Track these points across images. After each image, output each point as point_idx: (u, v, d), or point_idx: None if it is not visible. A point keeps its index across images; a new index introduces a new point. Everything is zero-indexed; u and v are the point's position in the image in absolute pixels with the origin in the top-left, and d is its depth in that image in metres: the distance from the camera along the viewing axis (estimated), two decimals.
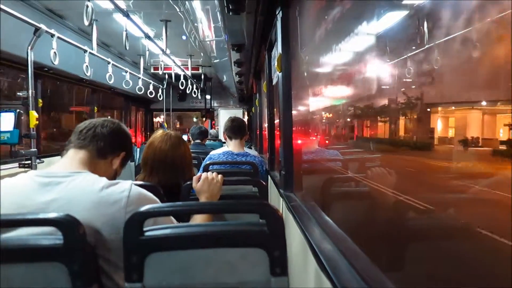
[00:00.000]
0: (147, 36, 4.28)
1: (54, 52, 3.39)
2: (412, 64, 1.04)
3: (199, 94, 8.04)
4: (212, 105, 10.28)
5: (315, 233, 1.44)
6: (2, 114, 3.17)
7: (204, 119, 10.77)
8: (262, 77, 5.00)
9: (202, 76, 7.96)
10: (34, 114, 3.23)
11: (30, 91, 3.29)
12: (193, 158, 2.09)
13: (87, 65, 4.00)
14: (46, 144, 5.45)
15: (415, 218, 1.11)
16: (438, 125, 0.99)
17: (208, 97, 9.83)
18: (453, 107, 1.01)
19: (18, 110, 3.24)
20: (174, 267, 1.04)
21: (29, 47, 3.24)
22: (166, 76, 7.17)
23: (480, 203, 0.80)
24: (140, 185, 1.28)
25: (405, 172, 1.23)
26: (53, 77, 4.84)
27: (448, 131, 0.96)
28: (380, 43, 1.27)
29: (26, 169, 3.22)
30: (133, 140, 8.03)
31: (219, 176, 1.68)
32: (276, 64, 2.40)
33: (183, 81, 6.39)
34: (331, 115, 2.15)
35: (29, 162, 3.27)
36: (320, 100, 2.18)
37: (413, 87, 1.08)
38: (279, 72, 2.31)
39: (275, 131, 3.43)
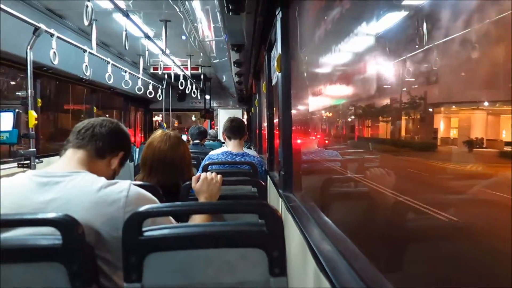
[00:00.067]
0: (147, 36, 4.28)
1: (54, 52, 3.39)
2: (412, 64, 1.04)
3: (198, 94, 8.04)
4: (212, 105, 10.29)
5: (314, 233, 1.44)
6: (1, 114, 3.16)
7: (203, 119, 10.78)
8: (261, 77, 5.00)
9: (202, 76, 7.96)
10: (33, 114, 3.22)
11: (29, 91, 3.29)
12: (192, 158, 2.09)
13: (86, 65, 4.00)
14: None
15: (417, 219, 1.11)
16: (441, 125, 0.99)
17: (207, 97, 9.83)
18: (454, 107, 1.00)
19: (17, 110, 3.24)
20: (173, 267, 1.04)
21: (28, 47, 3.24)
22: (166, 76, 7.17)
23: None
24: (139, 185, 1.28)
25: (414, 176, 1.20)
26: (53, 77, 4.84)
27: (450, 131, 0.96)
28: (381, 44, 1.27)
29: (25, 169, 3.21)
30: (132, 140, 8.05)
31: (218, 176, 1.67)
32: (275, 64, 2.40)
33: (183, 81, 6.40)
34: (331, 114, 2.15)
35: (28, 162, 3.27)
36: (320, 100, 2.17)
37: (415, 86, 1.08)
38: (279, 73, 2.31)
39: (275, 132, 3.43)
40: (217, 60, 5.48)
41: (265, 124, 4.86)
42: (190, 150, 2.06)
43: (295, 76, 2.32)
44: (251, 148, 6.14)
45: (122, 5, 3.47)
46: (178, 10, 3.93)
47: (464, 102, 0.95)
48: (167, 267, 1.04)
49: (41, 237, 1.03)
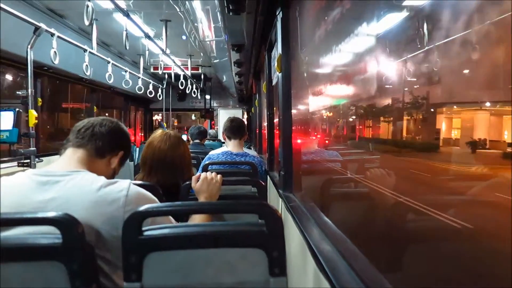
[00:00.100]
0: (147, 36, 4.28)
1: (55, 52, 3.39)
2: (413, 65, 1.04)
3: (198, 94, 8.04)
4: (212, 105, 10.28)
5: (314, 233, 1.44)
6: (2, 113, 3.17)
7: (203, 119, 10.77)
8: (261, 77, 5.00)
9: (202, 76, 7.96)
10: (33, 113, 3.22)
11: (29, 90, 3.29)
12: (192, 158, 2.09)
13: (87, 65, 4.00)
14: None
15: (418, 220, 1.10)
16: (443, 126, 0.98)
17: (207, 97, 9.83)
18: (455, 107, 1.00)
19: (17, 109, 3.24)
20: (173, 267, 1.04)
21: (29, 46, 3.24)
22: (166, 76, 7.17)
23: None
24: (139, 185, 1.28)
25: (419, 178, 1.18)
26: (53, 76, 4.84)
27: (451, 132, 0.95)
28: (381, 44, 1.27)
29: (25, 168, 3.21)
30: (132, 140, 8.02)
31: (218, 176, 1.67)
32: (276, 64, 2.40)
33: (183, 81, 6.40)
34: (331, 114, 2.15)
35: (28, 161, 3.27)
36: (320, 100, 2.17)
37: (416, 87, 1.08)
38: (279, 73, 2.31)
39: (275, 132, 3.43)
40: (217, 60, 5.48)
41: (265, 124, 4.86)
42: (190, 150, 2.06)
43: (295, 76, 2.32)
44: (251, 148, 6.14)
45: (122, 5, 3.47)
46: (178, 10, 3.93)
47: (466, 103, 0.95)
48: (167, 267, 1.04)
49: (41, 236, 1.03)
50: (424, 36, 0.95)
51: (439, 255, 0.93)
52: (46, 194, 1.14)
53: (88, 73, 4.00)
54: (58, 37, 3.51)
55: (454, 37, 0.83)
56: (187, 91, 7.25)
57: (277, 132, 3.23)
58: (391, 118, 1.33)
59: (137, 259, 1.03)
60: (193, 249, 1.05)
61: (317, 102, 2.24)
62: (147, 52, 4.75)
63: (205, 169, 2.19)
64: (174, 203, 1.23)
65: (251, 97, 7.55)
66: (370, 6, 1.32)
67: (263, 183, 1.87)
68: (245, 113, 10.96)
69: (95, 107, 6.38)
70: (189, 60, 6.63)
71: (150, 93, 6.92)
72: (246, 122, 7.20)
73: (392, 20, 1.20)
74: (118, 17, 4.07)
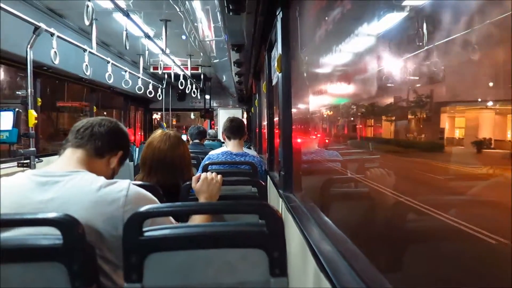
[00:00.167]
0: (147, 36, 4.28)
1: (55, 52, 3.38)
2: (415, 64, 1.04)
3: (198, 94, 8.04)
4: (212, 105, 10.28)
5: (315, 233, 1.44)
6: (1, 113, 3.16)
7: (203, 119, 10.77)
8: (261, 77, 5.00)
9: (202, 76, 7.96)
10: (33, 113, 3.22)
11: (29, 90, 3.29)
12: (192, 158, 2.09)
13: (86, 64, 4.00)
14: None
15: (418, 220, 1.10)
16: (446, 125, 0.97)
17: (207, 97, 9.83)
18: (458, 106, 0.99)
19: (17, 109, 3.24)
20: (174, 268, 1.04)
21: (29, 46, 3.24)
22: (166, 76, 7.17)
23: None
24: (139, 185, 1.27)
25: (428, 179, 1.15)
26: (53, 76, 4.84)
27: (454, 131, 0.94)
28: (381, 44, 1.27)
29: (25, 168, 3.21)
30: (132, 140, 8.01)
31: (219, 176, 1.67)
32: (276, 64, 2.40)
33: (183, 81, 6.40)
34: (331, 113, 2.15)
35: (28, 161, 3.26)
36: (321, 100, 2.17)
37: (418, 85, 1.07)
38: (279, 73, 2.31)
39: (275, 131, 3.43)
40: (217, 60, 5.48)
41: (265, 124, 4.86)
42: (190, 150, 2.06)
43: (295, 76, 2.32)
44: (251, 148, 6.14)
45: (122, 4, 3.47)
46: (178, 10, 3.93)
47: (471, 101, 0.94)
48: (168, 267, 1.04)
49: (41, 236, 1.03)
50: (424, 35, 0.95)
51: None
52: (46, 194, 1.14)
53: (88, 73, 4.00)
54: (58, 37, 3.51)
55: (453, 37, 0.83)
56: (187, 91, 7.25)
57: (277, 132, 3.23)
58: (393, 118, 1.32)
59: (138, 260, 1.03)
60: (194, 250, 1.05)
61: (317, 101, 2.24)
62: (147, 52, 4.75)
63: (205, 169, 2.18)
64: (174, 204, 1.23)
65: (251, 97, 7.54)
66: (370, 6, 1.32)
67: (263, 183, 1.87)
68: (245, 113, 10.95)
69: (94, 107, 6.38)
70: (189, 60, 6.63)
71: (150, 93, 6.92)
72: (246, 122, 7.20)
73: (392, 19, 1.20)
74: (118, 17, 4.07)
